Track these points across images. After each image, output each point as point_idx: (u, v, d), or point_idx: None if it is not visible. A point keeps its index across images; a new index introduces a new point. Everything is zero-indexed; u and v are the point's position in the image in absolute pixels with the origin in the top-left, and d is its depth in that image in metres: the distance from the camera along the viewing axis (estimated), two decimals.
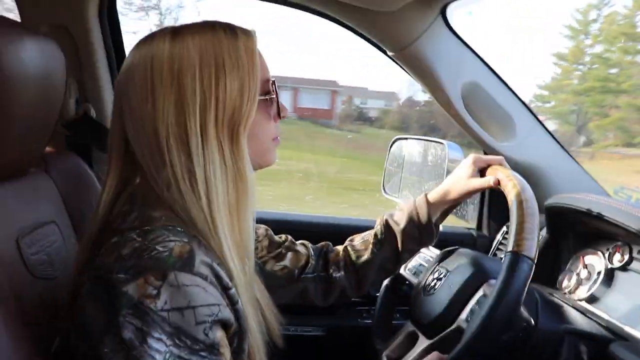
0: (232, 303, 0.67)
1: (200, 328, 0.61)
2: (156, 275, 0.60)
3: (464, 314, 0.90)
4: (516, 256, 0.79)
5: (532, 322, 0.89)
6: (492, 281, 0.92)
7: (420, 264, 1.16)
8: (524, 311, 0.88)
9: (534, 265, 0.79)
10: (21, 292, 0.73)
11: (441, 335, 0.91)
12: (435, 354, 0.85)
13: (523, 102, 1.38)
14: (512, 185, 0.86)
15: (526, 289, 0.79)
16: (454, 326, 0.90)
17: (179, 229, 0.65)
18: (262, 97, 0.75)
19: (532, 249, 0.80)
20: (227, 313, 0.66)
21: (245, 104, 0.70)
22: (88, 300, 0.64)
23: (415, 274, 1.14)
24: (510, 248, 0.80)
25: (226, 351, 0.65)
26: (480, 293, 0.91)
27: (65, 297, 0.72)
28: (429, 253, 1.19)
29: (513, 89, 1.37)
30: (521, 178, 0.89)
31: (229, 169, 0.70)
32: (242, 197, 0.71)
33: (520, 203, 0.83)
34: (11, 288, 0.68)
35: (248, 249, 0.74)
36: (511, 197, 0.85)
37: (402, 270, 1.17)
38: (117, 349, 0.60)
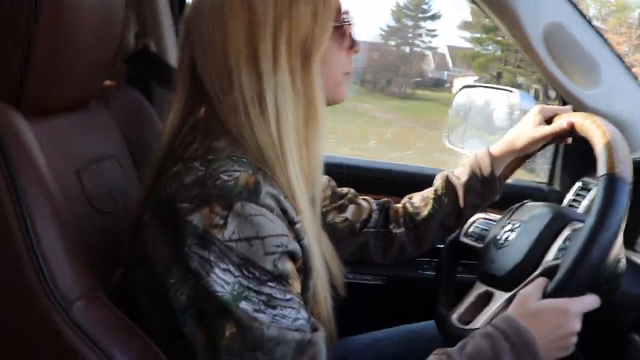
0: (299, 239, 0.65)
1: (269, 259, 0.60)
2: (222, 204, 0.58)
3: (550, 255, 0.84)
4: (613, 177, 0.73)
5: (624, 261, 0.81)
6: (577, 224, 0.85)
7: (483, 229, 1.09)
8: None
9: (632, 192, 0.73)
10: (83, 224, 0.72)
11: (525, 282, 0.83)
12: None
13: (611, 48, 1.26)
14: (600, 132, 0.79)
15: (626, 215, 0.73)
16: (540, 270, 0.83)
17: (244, 160, 0.63)
18: (336, 24, 0.71)
19: (627, 172, 0.74)
20: (294, 245, 0.64)
21: (318, 29, 0.67)
22: (150, 230, 0.63)
23: (477, 240, 1.08)
24: (604, 171, 0.74)
25: (295, 282, 0.63)
26: (565, 233, 0.84)
27: (127, 231, 0.71)
28: (491, 218, 1.12)
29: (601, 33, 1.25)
30: (606, 121, 0.82)
31: (299, 96, 0.67)
32: (312, 127, 0.68)
33: (607, 144, 0.77)
34: (73, 219, 0.67)
35: (316, 183, 0.72)
36: (597, 139, 0.79)
37: (462, 237, 1.10)
38: (183, 280, 0.59)
